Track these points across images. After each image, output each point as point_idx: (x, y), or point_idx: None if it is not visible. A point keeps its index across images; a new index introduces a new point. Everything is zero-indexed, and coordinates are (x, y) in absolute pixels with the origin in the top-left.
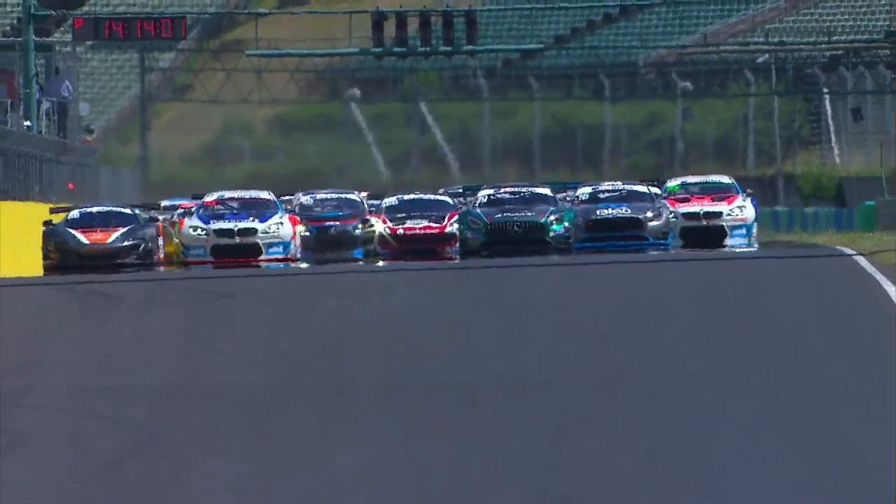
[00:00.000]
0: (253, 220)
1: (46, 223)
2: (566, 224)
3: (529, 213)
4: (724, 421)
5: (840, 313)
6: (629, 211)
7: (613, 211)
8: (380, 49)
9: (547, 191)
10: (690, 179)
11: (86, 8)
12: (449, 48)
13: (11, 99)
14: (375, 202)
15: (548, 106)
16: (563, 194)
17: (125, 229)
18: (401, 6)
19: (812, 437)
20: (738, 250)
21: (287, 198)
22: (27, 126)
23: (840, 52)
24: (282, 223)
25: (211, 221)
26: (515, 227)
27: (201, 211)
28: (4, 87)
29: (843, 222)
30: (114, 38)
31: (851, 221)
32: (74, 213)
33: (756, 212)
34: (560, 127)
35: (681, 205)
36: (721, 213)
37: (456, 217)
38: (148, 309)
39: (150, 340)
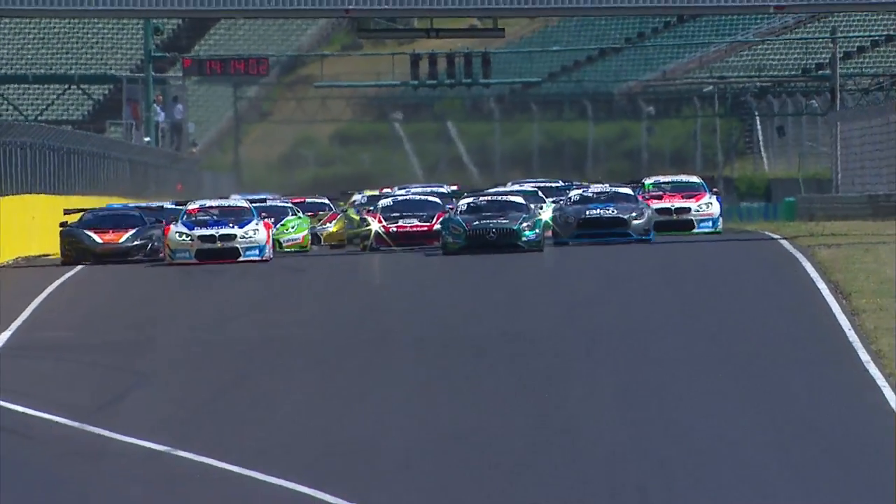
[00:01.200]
0: (232, 227)
1: (63, 224)
2: (537, 230)
3: (504, 221)
4: (682, 363)
5: (770, 278)
6: (615, 211)
7: (601, 211)
8: (416, 82)
9: (520, 199)
10: (663, 179)
11: (193, 51)
12: (469, 80)
13: (136, 120)
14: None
15: (543, 125)
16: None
17: (134, 230)
18: (432, 50)
19: (747, 364)
20: (695, 232)
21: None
22: (147, 141)
23: (768, 83)
24: (257, 229)
25: (195, 228)
26: (491, 233)
27: (185, 218)
28: (130, 112)
29: (769, 214)
30: (213, 74)
31: (776, 213)
32: (88, 216)
33: (721, 208)
34: (553, 141)
35: (655, 201)
36: (690, 208)
37: (444, 217)
38: (241, 280)
39: (241, 304)
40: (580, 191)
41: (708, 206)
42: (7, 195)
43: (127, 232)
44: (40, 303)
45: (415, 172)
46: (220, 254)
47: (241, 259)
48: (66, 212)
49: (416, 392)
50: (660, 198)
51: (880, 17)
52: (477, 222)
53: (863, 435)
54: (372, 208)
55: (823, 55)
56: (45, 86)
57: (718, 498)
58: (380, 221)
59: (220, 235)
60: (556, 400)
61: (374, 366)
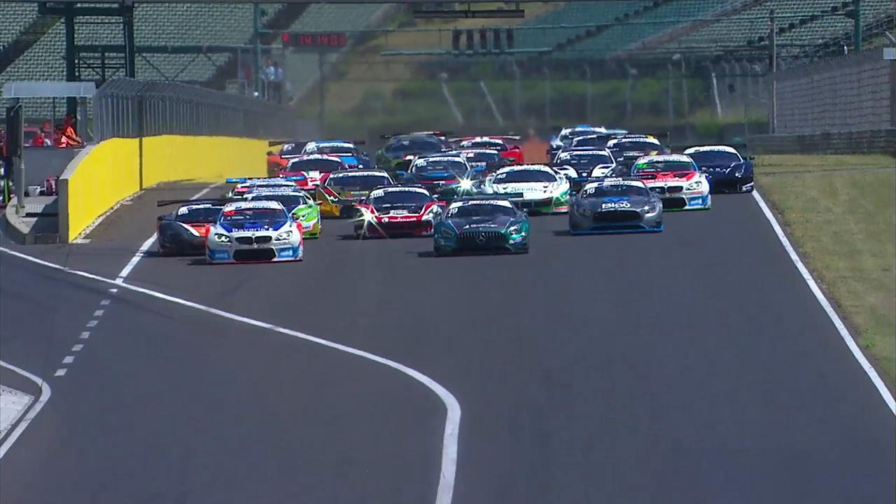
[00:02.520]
0: (268, 229)
1: (160, 218)
2: (523, 233)
3: (493, 225)
4: (651, 251)
5: (723, 198)
6: (629, 205)
7: (616, 204)
8: (457, 51)
9: (507, 203)
10: (657, 158)
11: (290, 28)
12: (497, 50)
13: (247, 80)
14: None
15: (553, 83)
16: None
17: None
18: (469, 27)
19: (703, 259)
20: (686, 209)
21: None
22: (256, 95)
23: (721, 52)
24: (291, 231)
25: (233, 230)
26: (481, 237)
27: (223, 220)
28: (244, 74)
29: None
30: (305, 45)
31: None
32: (184, 210)
33: (710, 186)
34: (561, 95)
35: (648, 181)
36: (681, 187)
37: (432, 207)
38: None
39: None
40: (595, 184)
41: (698, 184)
42: (151, 135)
43: None
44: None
45: (456, 119)
46: (257, 254)
47: (276, 259)
48: (160, 203)
49: (460, 364)
50: (653, 177)
51: (807, 1)
52: (467, 226)
53: (788, 311)
54: (364, 199)
55: (764, 30)
56: (180, 54)
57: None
58: (372, 212)
59: (256, 237)
60: (552, 345)
61: (431, 266)
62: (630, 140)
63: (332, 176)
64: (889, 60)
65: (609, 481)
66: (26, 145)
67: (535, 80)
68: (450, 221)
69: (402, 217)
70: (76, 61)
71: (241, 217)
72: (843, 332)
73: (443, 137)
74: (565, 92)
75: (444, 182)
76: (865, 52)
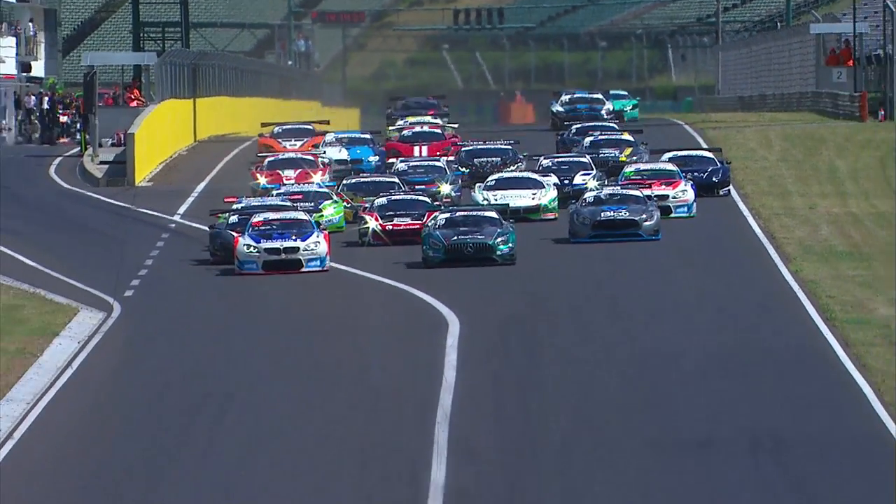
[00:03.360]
0: (295, 240)
1: (211, 227)
2: (510, 244)
3: (480, 236)
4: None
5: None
6: (628, 213)
7: (614, 213)
8: (457, 26)
9: (494, 214)
10: (643, 167)
11: (317, 7)
12: (490, 26)
13: (282, 51)
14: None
15: (537, 53)
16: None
17: None
18: (467, 6)
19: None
20: (671, 216)
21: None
22: (289, 63)
23: (676, 28)
24: (318, 241)
25: (261, 241)
26: (468, 248)
27: (251, 230)
28: (279, 46)
29: (676, 109)
30: (330, 21)
31: (680, 108)
32: (233, 218)
33: (695, 194)
34: (543, 63)
35: (633, 189)
36: (668, 195)
37: (434, 214)
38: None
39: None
40: (594, 192)
41: (683, 192)
42: (202, 97)
43: None
44: (224, 163)
45: (456, 83)
46: (285, 265)
47: (304, 270)
48: (212, 212)
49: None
50: (640, 186)
51: None
52: (455, 237)
53: (731, 242)
54: (368, 206)
55: (711, 9)
56: (227, 29)
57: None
58: (376, 219)
59: (284, 248)
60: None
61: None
62: (605, 137)
63: (344, 182)
64: (814, 34)
65: (585, 378)
66: (100, 105)
67: (522, 51)
68: (437, 233)
69: (405, 224)
70: (141, 35)
71: (269, 227)
72: (776, 259)
73: (436, 101)
74: (547, 61)
75: (424, 186)
76: (795, 27)
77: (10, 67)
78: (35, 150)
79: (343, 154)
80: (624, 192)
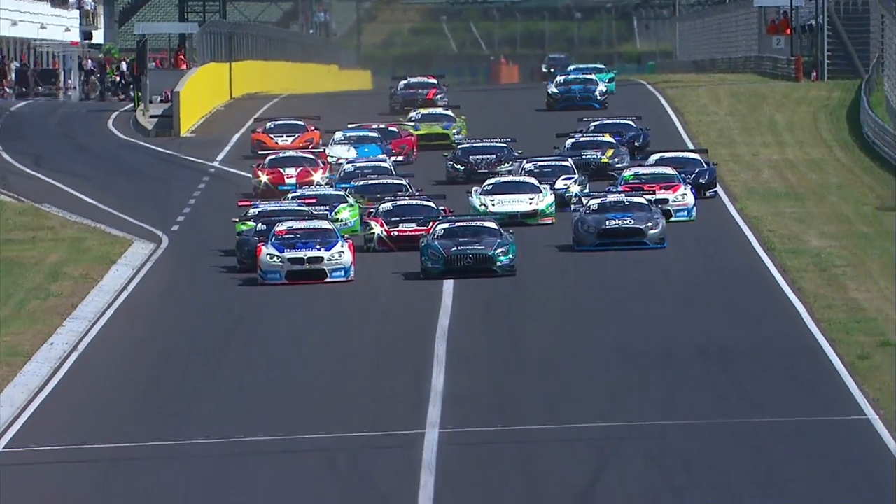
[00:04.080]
0: (319, 249)
1: (238, 233)
2: (511, 255)
3: (480, 247)
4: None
5: (637, 102)
6: (633, 221)
7: (619, 221)
8: (454, 1)
9: (493, 224)
10: (643, 171)
11: None
12: (482, 1)
13: (305, 22)
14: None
15: (522, 24)
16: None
17: None
18: None
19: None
20: (671, 220)
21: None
22: (311, 32)
23: (640, 1)
24: (343, 251)
25: (284, 250)
26: (468, 259)
27: (274, 239)
28: (303, 17)
29: (640, 71)
30: None
31: (644, 70)
32: (261, 227)
33: (695, 198)
34: (528, 32)
35: (634, 193)
36: (668, 199)
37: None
38: None
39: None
40: (599, 200)
41: (683, 196)
42: (237, 61)
43: None
44: (255, 117)
45: (452, 49)
46: (309, 275)
47: (328, 280)
48: (240, 219)
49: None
50: (640, 189)
51: None
52: (455, 248)
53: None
54: (373, 212)
55: None
56: (258, 2)
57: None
58: (382, 225)
59: (308, 258)
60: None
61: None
62: (588, 139)
63: (353, 184)
64: (757, 7)
65: (561, 305)
66: (150, 67)
67: (509, 21)
68: (436, 243)
69: (410, 230)
70: (185, 8)
71: (293, 236)
72: (725, 198)
73: (436, 81)
74: (531, 29)
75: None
76: (741, 1)
77: (75, 35)
78: (95, 105)
79: (351, 153)
80: (629, 199)
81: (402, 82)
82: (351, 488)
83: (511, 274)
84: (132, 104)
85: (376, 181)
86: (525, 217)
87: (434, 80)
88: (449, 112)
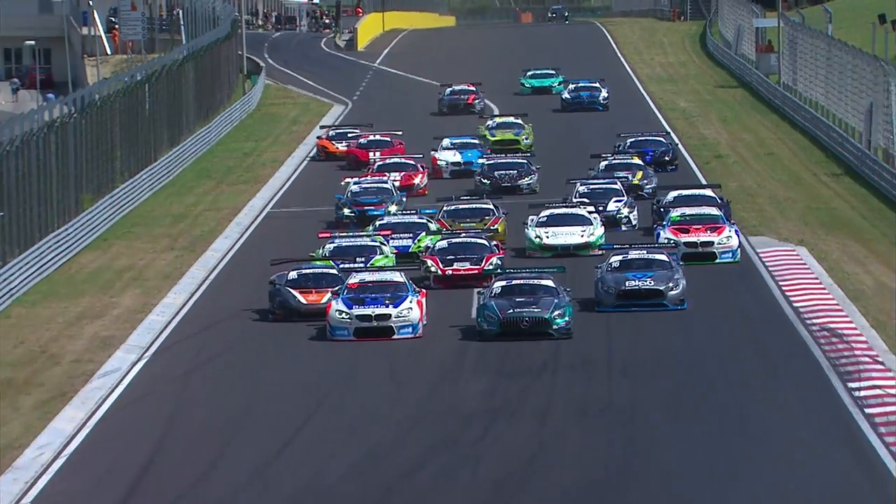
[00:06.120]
0: (388, 306)
1: (271, 282)
2: (567, 318)
3: (536, 309)
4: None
5: (593, 47)
6: (653, 282)
7: (639, 282)
8: None
9: (550, 282)
10: (689, 211)
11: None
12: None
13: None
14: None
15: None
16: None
17: (331, 290)
18: None
19: None
20: (717, 262)
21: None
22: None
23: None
24: (411, 307)
25: (353, 307)
26: (524, 322)
27: (345, 293)
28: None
29: (595, 17)
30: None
31: (597, 15)
32: (293, 275)
33: (739, 239)
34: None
35: (682, 235)
36: (713, 241)
37: (492, 259)
38: None
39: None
40: (619, 256)
41: (728, 238)
42: (387, 11)
43: (327, 292)
44: (396, 41)
45: (496, 5)
46: (376, 332)
47: (396, 336)
48: (273, 262)
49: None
50: (687, 231)
51: None
52: (511, 310)
53: (637, 117)
54: (429, 249)
55: None
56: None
57: None
58: (437, 264)
59: (375, 315)
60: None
61: None
62: (619, 160)
63: (445, 208)
64: None
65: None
66: (343, 14)
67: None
68: (493, 303)
69: (464, 269)
70: None
71: (363, 292)
72: (637, 83)
73: (475, 88)
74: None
75: (373, 208)
76: None
77: None
78: (314, 35)
79: (457, 157)
80: (649, 255)
81: (448, 89)
82: None
83: (567, 337)
84: (333, 34)
85: (466, 205)
86: (577, 249)
87: (473, 88)
88: (519, 120)
